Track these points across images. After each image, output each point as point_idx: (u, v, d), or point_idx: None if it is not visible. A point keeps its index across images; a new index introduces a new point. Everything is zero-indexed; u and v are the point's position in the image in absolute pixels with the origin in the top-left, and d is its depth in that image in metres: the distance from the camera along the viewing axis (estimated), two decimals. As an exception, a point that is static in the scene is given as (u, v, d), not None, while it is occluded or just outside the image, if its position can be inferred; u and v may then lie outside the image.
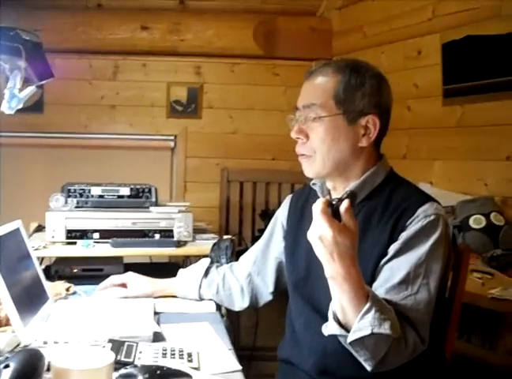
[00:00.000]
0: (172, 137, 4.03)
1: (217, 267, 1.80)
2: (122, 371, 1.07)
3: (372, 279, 1.28)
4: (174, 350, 1.25)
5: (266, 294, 1.68)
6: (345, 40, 3.86)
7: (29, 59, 1.30)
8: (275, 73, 4.04)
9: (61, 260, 2.29)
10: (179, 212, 2.46)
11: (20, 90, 1.36)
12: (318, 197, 1.43)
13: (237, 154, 4.00)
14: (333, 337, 1.21)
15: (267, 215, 3.67)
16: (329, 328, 1.20)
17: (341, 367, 1.32)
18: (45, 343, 1.25)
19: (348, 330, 1.17)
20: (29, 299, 1.41)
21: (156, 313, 1.58)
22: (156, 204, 2.54)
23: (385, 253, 1.29)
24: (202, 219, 3.01)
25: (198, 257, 1.94)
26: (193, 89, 3.97)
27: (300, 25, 3.98)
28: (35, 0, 3.58)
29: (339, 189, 1.41)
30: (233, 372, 1.23)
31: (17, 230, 1.48)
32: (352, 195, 1.13)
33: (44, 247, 2.27)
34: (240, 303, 1.71)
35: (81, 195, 2.48)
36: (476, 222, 2.62)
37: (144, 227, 2.42)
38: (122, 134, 3.96)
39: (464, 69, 2.98)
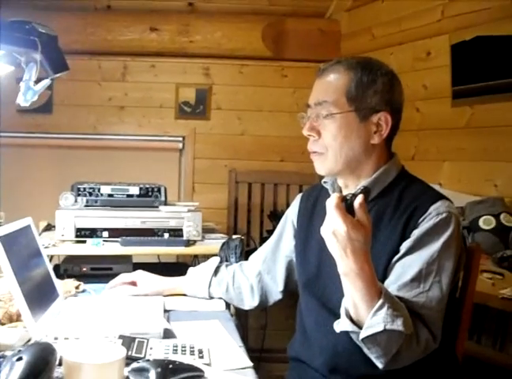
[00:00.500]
0: (180, 138, 4.03)
1: (227, 266, 1.79)
2: (135, 365, 1.07)
3: (384, 276, 1.27)
4: (185, 347, 1.25)
5: (276, 293, 1.67)
6: (354, 42, 3.85)
7: (45, 52, 1.30)
8: (283, 75, 4.04)
9: (70, 259, 2.30)
10: (189, 211, 2.46)
11: (36, 83, 1.36)
12: (329, 196, 1.42)
13: (245, 155, 4.00)
14: (344, 335, 1.21)
15: (276, 217, 3.66)
16: (341, 325, 1.20)
17: (352, 365, 1.31)
18: (56, 338, 1.25)
19: (360, 327, 1.16)
20: (40, 296, 1.41)
21: (165, 311, 1.58)
22: (166, 204, 2.54)
23: (397, 251, 1.28)
24: (210, 220, 3.01)
25: (207, 257, 1.93)
26: (201, 90, 3.97)
27: (309, 27, 3.97)
28: (44, 1, 3.60)
29: (350, 187, 1.41)
30: (244, 368, 1.22)
31: (28, 227, 1.48)
32: (365, 191, 1.13)
33: (54, 245, 2.28)
34: (250, 302, 1.70)
35: (91, 194, 2.48)
36: (486, 223, 2.60)
37: (153, 225, 2.42)
38: (130, 135, 3.96)
39: (474, 70, 2.97)
